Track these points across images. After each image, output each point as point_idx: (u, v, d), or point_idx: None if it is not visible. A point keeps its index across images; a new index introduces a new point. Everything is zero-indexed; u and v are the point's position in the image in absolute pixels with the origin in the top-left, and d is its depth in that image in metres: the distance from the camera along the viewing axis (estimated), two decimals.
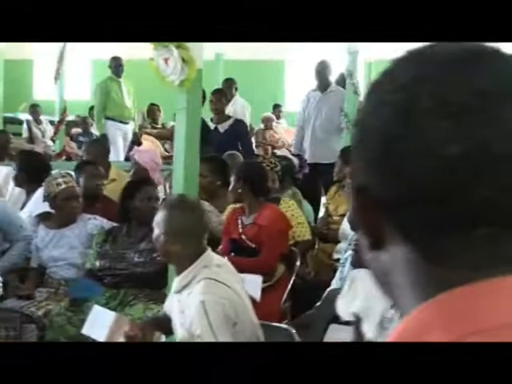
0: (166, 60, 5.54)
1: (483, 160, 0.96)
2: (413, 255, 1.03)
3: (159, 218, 4.52)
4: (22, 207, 7.69)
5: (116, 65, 13.01)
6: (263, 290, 5.80)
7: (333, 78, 11.02)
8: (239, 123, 10.38)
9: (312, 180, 9.86)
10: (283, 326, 5.14)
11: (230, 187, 6.90)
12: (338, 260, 7.13)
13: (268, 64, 18.17)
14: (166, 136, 14.55)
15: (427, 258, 1.02)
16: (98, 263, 6.41)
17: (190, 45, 5.50)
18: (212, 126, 10.33)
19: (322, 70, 10.85)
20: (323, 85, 10.78)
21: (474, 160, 0.96)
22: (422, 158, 0.97)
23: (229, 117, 10.44)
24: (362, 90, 11.92)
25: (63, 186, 6.78)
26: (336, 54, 13.64)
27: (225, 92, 10.48)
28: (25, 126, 16.33)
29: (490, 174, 0.97)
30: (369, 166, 1.04)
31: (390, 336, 1.05)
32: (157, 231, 4.52)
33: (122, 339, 5.05)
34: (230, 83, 12.58)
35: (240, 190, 6.73)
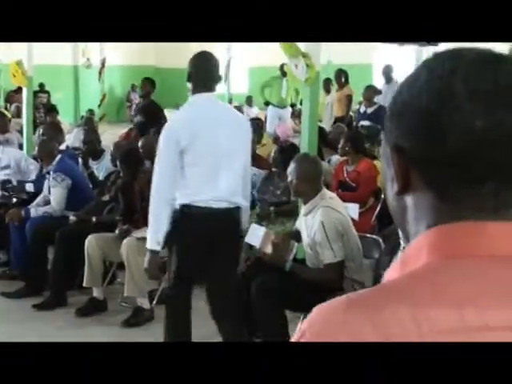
0: (296, 65, 5.65)
1: (498, 133, 0.91)
2: (432, 198, 0.96)
3: (291, 168, 4.64)
4: None
5: (282, 68, 13.11)
6: (359, 214, 5.89)
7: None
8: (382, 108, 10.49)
9: None
10: (374, 236, 5.19)
11: (340, 146, 7.05)
12: None
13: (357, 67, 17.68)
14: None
15: (443, 200, 0.95)
16: (256, 195, 6.54)
17: (311, 54, 5.60)
18: None
19: (387, 71, 12.23)
20: (387, 79, 12.13)
21: (492, 133, 0.91)
22: (453, 129, 0.92)
23: (375, 103, 10.94)
24: None
25: None
26: None
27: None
28: None
29: (501, 144, 0.92)
30: (408, 132, 0.96)
31: (397, 258, 0.99)
32: (290, 177, 4.64)
33: (270, 245, 5.10)
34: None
35: (347, 148, 6.84)
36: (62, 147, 7.63)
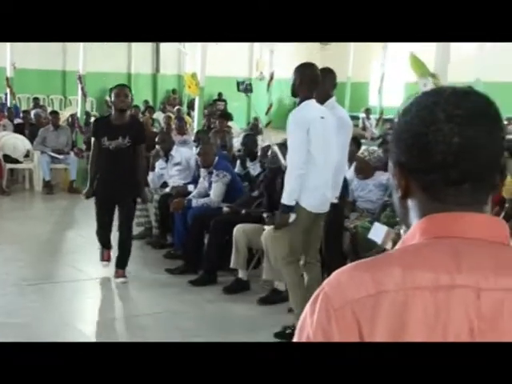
0: (424, 84, 5.66)
1: (469, 148, 1.09)
2: (426, 199, 1.14)
3: None
4: None
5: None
6: None
7: None
8: None
9: None
10: None
11: None
12: None
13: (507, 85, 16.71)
14: None
15: (434, 200, 1.13)
16: (387, 199, 6.41)
17: (439, 74, 5.59)
18: None
19: None
20: None
21: (466, 147, 1.09)
22: (438, 145, 1.09)
23: None
24: None
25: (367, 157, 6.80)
26: None
27: None
28: (360, 120, 16.61)
29: (472, 155, 1.09)
30: (405, 150, 1.14)
31: (399, 243, 1.17)
32: None
33: (390, 242, 5.15)
34: None
35: None
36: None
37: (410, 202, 1.16)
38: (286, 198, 4.70)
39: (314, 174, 4.70)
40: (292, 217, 4.73)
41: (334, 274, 1.12)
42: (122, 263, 6.36)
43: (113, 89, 6.11)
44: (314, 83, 4.77)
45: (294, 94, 4.86)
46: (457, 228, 1.10)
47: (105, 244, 6.50)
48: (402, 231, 4.08)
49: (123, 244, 6.31)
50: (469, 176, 1.10)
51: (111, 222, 6.34)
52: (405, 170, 1.14)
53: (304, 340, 1.10)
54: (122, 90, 6.00)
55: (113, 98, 5.99)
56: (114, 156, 5.92)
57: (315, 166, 4.70)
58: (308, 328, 1.10)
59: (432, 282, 1.05)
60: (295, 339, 1.13)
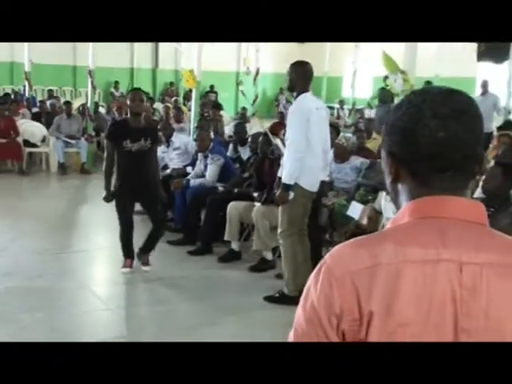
0: (395, 79, 5.67)
1: (452, 141, 1.10)
2: (413, 185, 1.15)
3: None
4: None
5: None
6: None
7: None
8: None
9: None
10: None
11: None
12: None
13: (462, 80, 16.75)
14: None
15: (421, 185, 1.14)
16: (361, 180, 6.42)
17: (408, 70, 5.61)
18: None
19: (484, 85, 10.83)
20: (483, 91, 10.79)
21: (449, 140, 1.10)
22: (423, 139, 1.10)
23: None
24: None
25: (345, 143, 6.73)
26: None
27: None
28: (335, 110, 16.54)
29: (455, 147, 1.10)
30: (396, 142, 1.15)
31: (389, 221, 1.18)
32: None
33: (366, 218, 5.21)
34: None
35: None
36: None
37: (400, 187, 1.17)
38: (287, 178, 4.76)
39: (310, 157, 4.77)
40: (291, 195, 4.80)
41: (335, 248, 1.13)
42: (148, 248, 5.82)
43: (127, 92, 5.46)
44: (308, 79, 4.86)
45: (291, 88, 4.92)
46: (442, 210, 1.11)
47: (128, 252, 5.73)
48: (389, 213, 4.14)
49: (157, 234, 5.79)
50: (451, 165, 1.11)
51: (133, 221, 5.66)
52: (396, 158, 1.15)
53: (308, 306, 1.11)
54: (137, 94, 5.39)
55: (128, 103, 5.46)
56: (136, 157, 5.36)
57: (312, 150, 4.78)
58: (312, 296, 1.11)
59: (421, 257, 1.06)
60: (300, 307, 1.14)
